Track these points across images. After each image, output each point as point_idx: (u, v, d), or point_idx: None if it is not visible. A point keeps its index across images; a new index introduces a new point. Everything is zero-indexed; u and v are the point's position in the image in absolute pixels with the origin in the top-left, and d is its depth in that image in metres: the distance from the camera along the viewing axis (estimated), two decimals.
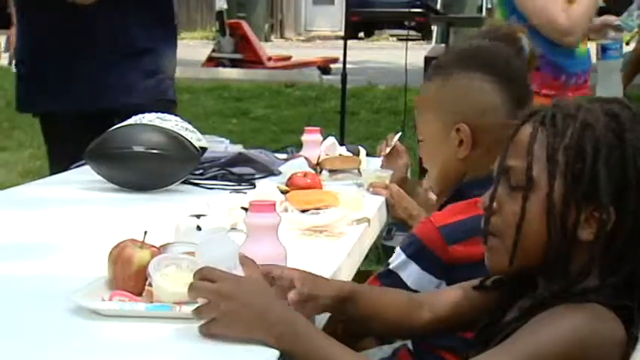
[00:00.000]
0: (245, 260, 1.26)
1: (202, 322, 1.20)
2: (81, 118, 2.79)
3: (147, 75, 2.86)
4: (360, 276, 1.84)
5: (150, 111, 2.79)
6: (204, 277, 1.20)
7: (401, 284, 1.58)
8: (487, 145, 1.65)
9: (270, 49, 13.93)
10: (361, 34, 19.50)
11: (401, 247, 1.63)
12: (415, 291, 1.57)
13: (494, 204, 1.24)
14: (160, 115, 2.24)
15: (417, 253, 1.60)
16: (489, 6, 16.34)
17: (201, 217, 1.58)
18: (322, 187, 2.13)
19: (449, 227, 1.59)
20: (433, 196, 1.92)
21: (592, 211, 1.16)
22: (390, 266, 1.62)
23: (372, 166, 2.42)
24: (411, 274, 1.59)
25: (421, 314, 1.40)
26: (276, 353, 1.16)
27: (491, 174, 1.28)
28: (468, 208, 1.58)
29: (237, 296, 1.18)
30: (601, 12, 3.44)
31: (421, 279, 1.59)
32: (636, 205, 1.16)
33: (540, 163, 1.18)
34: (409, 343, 1.75)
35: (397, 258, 1.62)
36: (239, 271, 1.24)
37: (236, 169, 2.35)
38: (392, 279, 1.60)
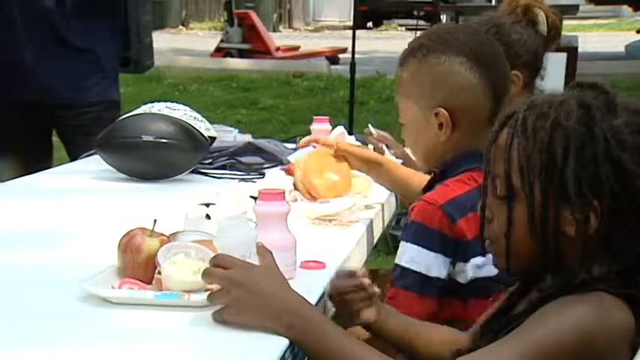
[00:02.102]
0: (262, 250, 1.26)
1: (214, 308, 1.20)
2: (12, 107, 2.83)
3: (86, 73, 2.88)
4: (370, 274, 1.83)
5: (90, 112, 2.83)
6: (218, 263, 1.21)
7: (416, 277, 1.58)
8: (467, 125, 1.66)
9: (279, 39, 13.91)
10: (370, 24, 19.43)
11: (405, 239, 1.61)
12: (429, 277, 1.57)
13: (487, 212, 1.24)
14: (168, 104, 2.25)
15: (425, 237, 1.59)
16: None
17: (211, 206, 1.58)
18: None
19: (450, 205, 1.59)
20: None
21: (572, 209, 1.16)
22: (402, 263, 1.60)
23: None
24: (422, 260, 1.59)
25: None
26: (284, 342, 1.17)
27: (476, 149, 1.27)
28: (461, 184, 1.61)
29: (248, 283, 1.18)
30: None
31: (434, 262, 1.58)
32: (621, 193, 1.15)
33: (518, 169, 1.19)
34: None
35: (405, 251, 1.61)
36: (254, 260, 1.25)
37: (245, 159, 2.35)
38: (407, 277, 1.59)
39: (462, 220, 1.58)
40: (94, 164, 2.31)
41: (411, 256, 1.60)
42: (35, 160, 2.85)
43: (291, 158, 2.32)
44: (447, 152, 1.68)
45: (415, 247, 1.60)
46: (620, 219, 1.16)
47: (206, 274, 1.21)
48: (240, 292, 1.18)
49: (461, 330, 1.46)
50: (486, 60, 1.67)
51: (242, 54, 11.64)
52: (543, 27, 2.13)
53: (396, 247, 1.69)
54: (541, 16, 2.12)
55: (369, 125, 2.33)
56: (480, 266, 1.58)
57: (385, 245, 3.63)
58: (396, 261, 1.61)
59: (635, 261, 1.17)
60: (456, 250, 1.58)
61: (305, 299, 1.23)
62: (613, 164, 1.15)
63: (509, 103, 1.77)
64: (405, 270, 1.59)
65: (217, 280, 1.20)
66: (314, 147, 2.16)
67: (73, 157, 2.83)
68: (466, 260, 1.59)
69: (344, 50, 11.30)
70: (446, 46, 1.66)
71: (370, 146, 2.21)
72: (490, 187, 1.24)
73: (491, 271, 1.40)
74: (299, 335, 1.17)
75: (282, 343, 1.16)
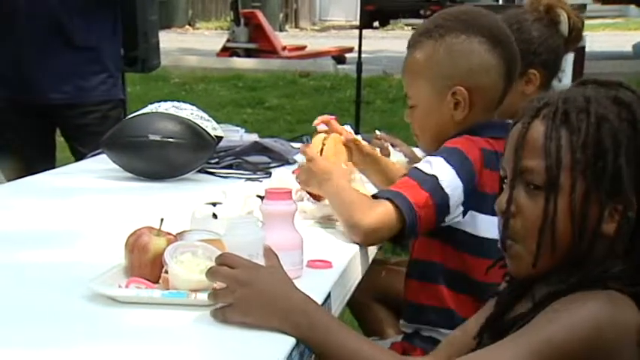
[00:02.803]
0: (268, 252, 1.26)
1: (217, 306, 1.20)
2: (15, 106, 2.83)
3: (91, 72, 2.88)
4: (377, 263, 1.83)
5: (96, 111, 2.82)
6: (224, 262, 1.21)
7: (426, 176, 1.58)
8: (482, 105, 1.67)
9: (285, 38, 13.91)
10: (376, 24, 19.43)
11: (440, 155, 1.60)
12: (439, 182, 1.56)
13: (513, 207, 1.20)
14: (175, 103, 2.25)
15: (457, 159, 1.58)
16: None
17: (217, 205, 1.58)
18: None
19: (485, 151, 1.60)
20: None
21: (615, 206, 1.15)
22: (430, 171, 1.58)
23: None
24: (442, 170, 1.58)
25: None
26: (291, 342, 1.16)
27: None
28: (490, 143, 1.62)
29: (254, 283, 1.19)
30: None
31: (452, 180, 1.58)
32: None
33: (560, 163, 1.16)
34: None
35: (428, 160, 1.60)
36: (260, 260, 1.25)
37: (251, 158, 2.36)
38: (417, 173, 1.59)
39: (487, 171, 1.59)
40: (100, 163, 2.31)
41: (431, 162, 1.60)
42: (38, 160, 2.86)
43: (298, 158, 2.32)
44: (458, 132, 1.68)
45: (441, 159, 1.59)
46: None
47: (211, 272, 1.21)
48: (247, 291, 1.18)
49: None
50: (502, 40, 1.68)
51: (248, 53, 11.65)
52: (565, 27, 2.11)
53: (402, 246, 1.69)
54: (563, 17, 2.10)
55: (376, 132, 2.33)
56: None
57: (390, 244, 3.62)
58: (419, 166, 1.61)
59: None
60: (471, 193, 1.58)
61: (311, 298, 1.23)
62: None
63: (525, 101, 1.78)
64: (431, 177, 1.58)
65: (223, 279, 1.20)
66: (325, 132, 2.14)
67: (78, 156, 2.84)
68: (480, 212, 1.60)
69: (350, 50, 11.29)
70: (464, 26, 1.66)
71: (377, 149, 2.21)
72: (519, 180, 1.20)
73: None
74: (306, 334, 1.17)
75: (289, 342, 1.16)
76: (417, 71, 1.71)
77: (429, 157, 1.63)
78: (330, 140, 1.90)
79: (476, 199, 1.60)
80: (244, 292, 1.18)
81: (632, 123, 1.16)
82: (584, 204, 1.15)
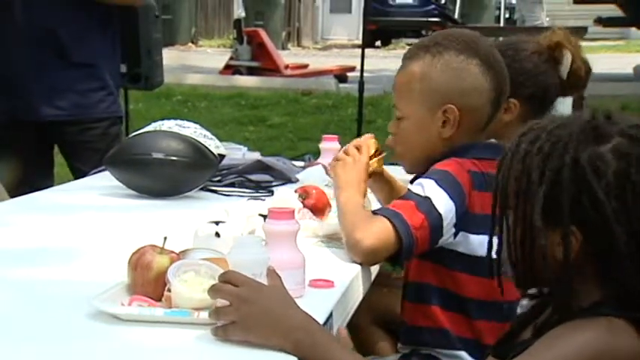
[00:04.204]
0: (271, 273, 1.27)
1: (218, 324, 1.20)
2: (14, 123, 2.84)
3: (90, 89, 2.88)
4: (380, 276, 1.84)
5: (96, 128, 2.83)
6: (228, 279, 1.21)
7: (420, 198, 1.60)
8: (468, 126, 1.69)
9: (287, 57, 13.94)
10: (378, 43, 19.48)
11: (431, 177, 1.62)
12: (433, 203, 1.58)
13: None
14: (178, 121, 2.26)
15: (448, 183, 1.61)
16: (507, 16, 16.33)
17: (220, 224, 1.58)
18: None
19: (472, 173, 1.63)
20: None
21: (556, 233, 1.16)
22: (423, 193, 1.60)
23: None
24: (435, 193, 1.60)
25: None
26: None
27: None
28: (475, 164, 1.65)
29: (257, 301, 1.19)
30: None
31: (446, 203, 1.60)
32: (595, 219, 1.14)
33: (506, 190, 1.22)
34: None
35: (428, 186, 1.61)
36: (263, 280, 1.25)
37: (254, 177, 2.36)
38: (412, 195, 1.61)
39: (477, 192, 1.61)
40: (103, 181, 2.32)
41: (423, 184, 1.62)
42: (37, 176, 2.86)
43: (300, 177, 2.33)
44: (441, 149, 1.70)
45: (440, 188, 1.60)
46: (605, 244, 1.14)
47: (214, 289, 1.21)
48: (249, 309, 1.18)
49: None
50: (496, 65, 1.71)
51: (251, 71, 11.67)
52: (564, 69, 2.03)
53: (400, 265, 1.70)
54: (566, 59, 2.03)
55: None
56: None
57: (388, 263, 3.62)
58: (414, 190, 1.63)
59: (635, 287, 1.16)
60: (463, 215, 1.61)
61: (313, 318, 1.23)
62: (587, 191, 1.14)
63: (503, 130, 1.80)
64: (426, 199, 1.60)
65: (226, 297, 1.20)
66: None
67: (78, 173, 2.83)
68: (470, 232, 1.62)
69: (352, 69, 11.31)
70: (463, 47, 1.69)
71: None
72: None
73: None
74: (307, 353, 1.17)
75: None
76: (411, 84, 1.72)
77: (420, 180, 1.66)
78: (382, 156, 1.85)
79: (466, 220, 1.62)
80: (247, 309, 1.18)
81: (563, 154, 1.16)
82: (526, 230, 1.18)
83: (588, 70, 2.08)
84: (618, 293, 1.16)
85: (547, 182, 1.16)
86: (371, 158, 1.79)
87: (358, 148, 1.78)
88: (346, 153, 1.78)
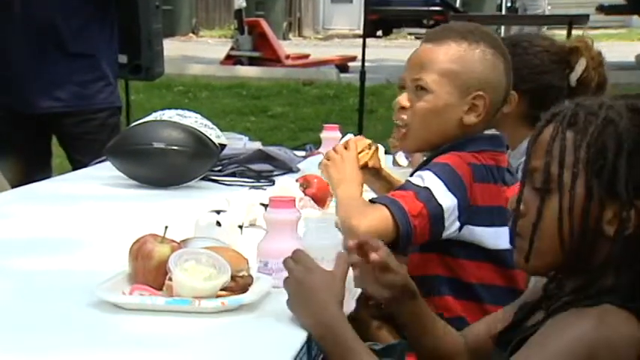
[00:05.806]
0: (340, 260, 1.33)
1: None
2: (12, 114, 2.84)
3: (89, 80, 2.87)
4: None
5: (95, 119, 2.81)
6: (294, 255, 1.32)
7: (419, 188, 1.60)
8: (487, 118, 1.70)
9: (289, 47, 13.93)
10: (379, 33, 19.46)
11: (431, 170, 1.62)
12: (432, 194, 1.58)
13: (522, 206, 1.22)
14: (179, 111, 2.26)
15: (450, 176, 1.60)
16: (509, 4, 16.30)
17: (221, 213, 1.58)
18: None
19: (473, 165, 1.62)
20: None
21: (616, 208, 1.15)
22: (423, 184, 1.60)
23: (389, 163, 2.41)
24: (435, 184, 1.60)
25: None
26: (295, 348, 1.18)
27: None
28: (476, 157, 1.65)
29: (303, 284, 1.28)
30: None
31: (452, 203, 1.60)
32: None
33: (563, 162, 1.17)
34: None
35: (427, 178, 1.61)
36: (325, 265, 1.32)
37: (255, 166, 2.36)
38: (425, 194, 1.60)
39: (478, 184, 1.61)
40: (104, 171, 2.32)
41: (423, 176, 1.62)
42: (35, 167, 2.86)
43: (301, 166, 2.33)
44: (457, 135, 1.69)
45: (440, 181, 1.60)
46: None
47: (286, 259, 1.31)
48: (297, 288, 1.29)
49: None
50: (510, 67, 1.74)
51: (252, 62, 11.67)
52: (574, 76, 2.00)
53: (403, 254, 1.70)
54: (579, 65, 1.99)
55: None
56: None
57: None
58: (414, 181, 1.62)
59: None
60: (465, 207, 1.60)
61: (344, 317, 1.27)
62: None
63: (499, 122, 1.80)
64: (426, 189, 1.60)
65: (287, 269, 1.31)
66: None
67: (76, 163, 2.83)
68: (474, 224, 1.61)
69: (353, 58, 11.31)
70: (492, 43, 1.71)
71: None
72: (528, 180, 1.22)
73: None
74: (328, 348, 1.25)
75: (293, 349, 1.17)
76: (446, 62, 1.69)
77: (419, 172, 1.65)
78: (373, 149, 1.86)
79: (469, 214, 1.62)
80: (296, 287, 1.29)
81: None
82: (585, 202, 1.16)
83: (601, 84, 2.01)
84: (634, 282, 1.15)
85: (624, 155, 1.14)
86: (362, 151, 1.79)
87: (346, 147, 1.78)
88: (335, 152, 1.77)
